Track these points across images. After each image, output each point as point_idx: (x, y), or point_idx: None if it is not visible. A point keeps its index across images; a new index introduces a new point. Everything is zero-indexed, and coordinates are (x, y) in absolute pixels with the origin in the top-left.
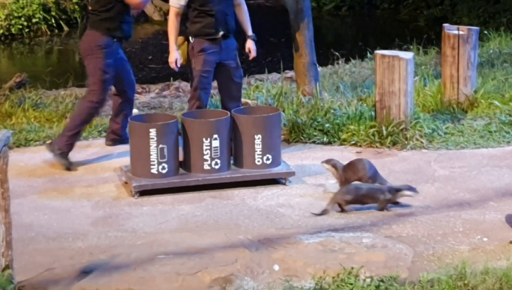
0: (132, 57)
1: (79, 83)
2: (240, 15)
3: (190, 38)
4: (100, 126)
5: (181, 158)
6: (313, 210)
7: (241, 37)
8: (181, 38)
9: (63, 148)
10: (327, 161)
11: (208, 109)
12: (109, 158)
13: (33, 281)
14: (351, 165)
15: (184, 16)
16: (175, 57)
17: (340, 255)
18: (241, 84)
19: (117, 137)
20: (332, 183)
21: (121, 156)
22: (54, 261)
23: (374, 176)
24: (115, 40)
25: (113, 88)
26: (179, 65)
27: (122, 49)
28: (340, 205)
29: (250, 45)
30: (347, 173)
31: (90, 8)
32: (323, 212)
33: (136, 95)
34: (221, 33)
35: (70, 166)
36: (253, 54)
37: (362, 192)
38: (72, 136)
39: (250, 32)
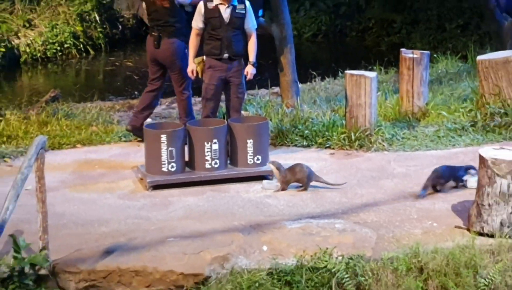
0: (146, 76)
1: (102, 97)
2: (248, 45)
3: (204, 57)
4: (120, 132)
5: (187, 158)
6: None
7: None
8: (201, 58)
9: None
10: (273, 163)
11: (209, 119)
12: (127, 159)
13: (65, 259)
14: (291, 168)
15: (202, 37)
16: (191, 68)
17: (317, 238)
18: (242, 98)
19: (137, 126)
20: (269, 182)
21: (137, 157)
22: (82, 243)
23: (310, 176)
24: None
25: (150, 86)
26: (195, 74)
27: None
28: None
29: (249, 69)
30: (287, 175)
31: (159, 22)
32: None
33: None
34: (226, 55)
35: None
36: (249, 76)
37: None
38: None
39: (252, 59)
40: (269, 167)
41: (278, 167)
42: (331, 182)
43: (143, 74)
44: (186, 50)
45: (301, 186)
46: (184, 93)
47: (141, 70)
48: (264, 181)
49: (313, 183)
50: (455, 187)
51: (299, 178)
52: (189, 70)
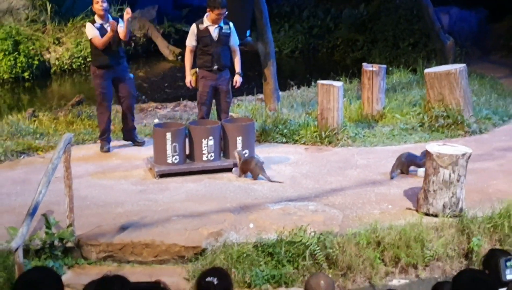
0: (154, 84)
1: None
2: (234, 58)
3: (197, 69)
4: (139, 133)
5: (187, 152)
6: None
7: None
8: (194, 70)
9: None
10: (238, 152)
11: (206, 120)
12: (139, 152)
13: (88, 234)
14: (246, 160)
15: (195, 53)
16: (189, 79)
17: (294, 217)
18: (230, 103)
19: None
20: (236, 169)
21: (147, 151)
22: (101, 221)
23: (258, 169)
24: None
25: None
26: (193, 85)
27: None
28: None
29: (237, 78)
30: (243, 165)
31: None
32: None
33: (157, 109)
34: (216, 67)
35: None
36: (237, 84)
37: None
38: None
39: (238, 70)
40: (235, 155)
41: (240, 156)
42: (272, 179)
43: (151, 82)
44: None
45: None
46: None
47: (151, 79)
48: (234, 169)
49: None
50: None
51: (251, 169)
52: (187, 80)
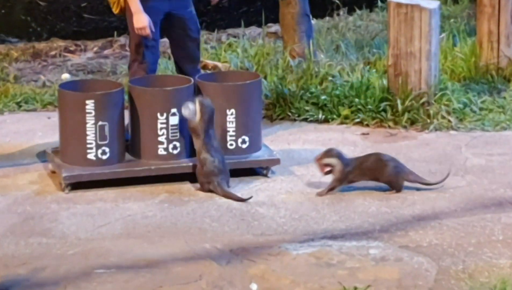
0: (62, 4)
1: None
2: None
3: None
4: (19, 95)
5: (128, 139)
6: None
7: None
8: None
9: None
10: (202, 103)
11: (164, 75)
12: (31, 140)
13: None
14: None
15: None
16: (145, 19)
17: (340, 271)
18: (199, 39)
19: None
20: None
21: (46, 136)
22: None
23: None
24: None
25: None
26: (153, 30)
27: None
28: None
29: None
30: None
31: None
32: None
33: (68, 55)
34: None
35: None
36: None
37: None
38: None
39: None
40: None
41: (202, 111)
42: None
43: (57, 2)
44: None
45: None
46: None
47: None
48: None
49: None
50: None
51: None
52: (140, 24)
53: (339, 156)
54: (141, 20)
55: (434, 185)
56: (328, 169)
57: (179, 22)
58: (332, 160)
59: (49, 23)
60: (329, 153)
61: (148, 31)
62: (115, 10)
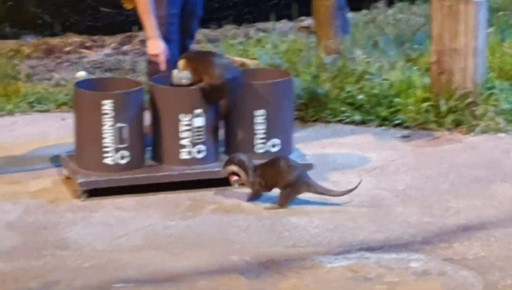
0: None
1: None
2: None
3: None
4: (31, 95)
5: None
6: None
7: None
8: None
9: None
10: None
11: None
12: (43, 142)
13: None
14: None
15: None
16: (161, 46)
17: (378, 286)
18: (202, 16)
19: None
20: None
21: (60, 139)
22: None
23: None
24: None
25: None
26: (168, 57)
27: None
28: None
29: None
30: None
31: None
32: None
33: (84, 51)
34: None
35: None
36: None
37: None
38: None
39: None
40: None
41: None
42: (334, 192)
43: None
44: None
45: None
46: None
47: None
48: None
49: None
50: None
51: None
52: (154, 50)
53: (240, 163)
54: (157, 47)
55: (341, 195)
56: (235, 177)
57: (189, 5)
58: (234, 168)
59: (63, 16)
60: (231, 160)
61: (162, 58)
62: (128, 6)
